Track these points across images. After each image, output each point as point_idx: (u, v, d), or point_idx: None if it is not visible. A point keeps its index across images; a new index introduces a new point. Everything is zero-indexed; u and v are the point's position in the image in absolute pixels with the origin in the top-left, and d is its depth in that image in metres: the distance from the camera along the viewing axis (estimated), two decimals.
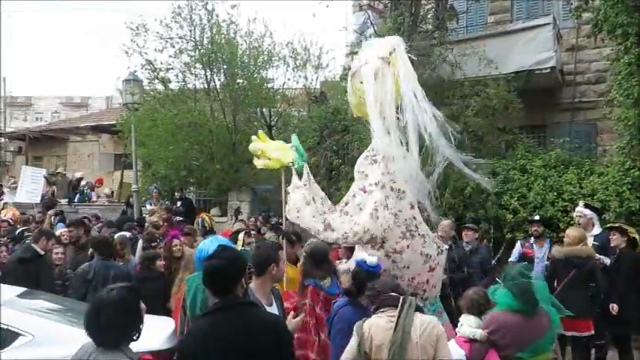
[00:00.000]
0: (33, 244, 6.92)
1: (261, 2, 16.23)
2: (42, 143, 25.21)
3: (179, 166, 14.62)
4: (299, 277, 5.24)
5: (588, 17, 9.80)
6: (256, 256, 3.92)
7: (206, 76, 15.04)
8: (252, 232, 8.71)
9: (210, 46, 14.70)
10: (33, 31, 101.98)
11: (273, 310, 3.80)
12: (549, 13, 12.16)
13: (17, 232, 10.05)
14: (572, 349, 6.58)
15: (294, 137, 5.89)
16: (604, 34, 9.23)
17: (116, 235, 8.01)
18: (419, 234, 4.93)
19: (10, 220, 11.88)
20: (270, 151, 5.41)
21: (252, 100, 14.99)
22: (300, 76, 15.49)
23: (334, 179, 11.72)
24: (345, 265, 5.06)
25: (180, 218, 11.46)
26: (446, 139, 4.86)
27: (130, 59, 15.80)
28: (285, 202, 5.27)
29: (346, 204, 5.19)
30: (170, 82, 15.40)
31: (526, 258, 7.76)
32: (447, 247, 5.61)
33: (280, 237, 6.75)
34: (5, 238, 9.45)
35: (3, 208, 15.11)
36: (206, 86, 15.19)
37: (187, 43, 14.92)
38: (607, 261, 6.91)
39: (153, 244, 7.94)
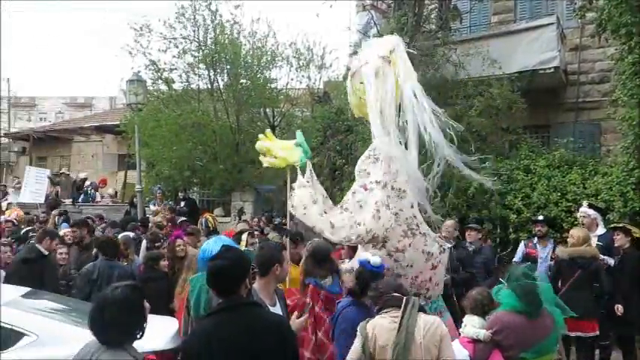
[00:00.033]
0: (37, 245, 6.94)
1: (264, 2, 16.27)
2: (46, 143, 25.30)
3: (183, 166, 14.66)
4: (300, 275, 5.25)
5: (592, 17, 9.77)
6: (260, 257, 3.93)
7: (209, 77, 15.09)
8: (256, 233, 8.71)
9: (213, 47, 14.74)
10: (33, 31, 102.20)
11: (277, 310, 3.80)
12: (553, 12, 12.12)
13: (22, 232, 10.08)
14: (577, 349, 6.56)
15: (298, 133, 5.88)
16: (608, 34, 9.20)
17: (120, 236, 8.04)
18: (420, 232, 4.93)
19: (15, 221, 11.92)
20: (277, 150, 5.41)
21: (255, 100, 15.02)
22: (303, 76, 15.56)
23: (337, 179, 11.72)
24: (347, 265, 5.06)
25: (184, 218, 11.49)
26: (448, 139, 4.86)
27: (133, 60, 15.89)
28: (290, 199, 5.25)
29: (346, 202, 5.18)
30: (174, 82, 15.46)
31: (529, 258, 7.75)
32: (449, 246, 5.59)
33: (284, 237, 6.76)
34: (9, 239, 9.48)
35: (7, 209, 15.16)
36: (209, 86, 15.24)
37: (191, 43, 14.99)
38: (611, 261, 6.90)
39: (156, 245, 7.97)
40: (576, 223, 8.00)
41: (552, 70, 11.19)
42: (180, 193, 14.71)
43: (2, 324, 4.61)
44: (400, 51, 5.03)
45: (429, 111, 4.76)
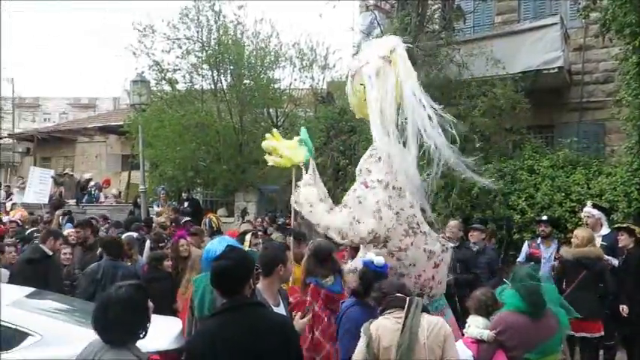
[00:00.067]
0: (41, 245, 6.94)
1: (268, 3, 16.27)
2: (50, 144, 25.35)
3: (186, 166, 14.67)
4: (302, 274, 5.25)
5: (596, 17, 9.76)
6: (264, 257, 3.93)
7: (213, 77, 15.10)
8: (259, 233, 8.71)
9: (217, 47, 14.75)
10: (33, 31, 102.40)
11: (281, 310, 3.81)
12: (557, 12, 12.11)
13: (27, 232, 10.10)
14: (581, 350, 6.54)
15: (303, 130, 5.86)
16: (612, 34, 9.19)
17: (124, 236, 8.05)
18: (420, 231, 4.93)
19: (19, 221, 11.96)
20: (283, 149, 5.40)
21: (258, 100, 15.02)
22: (306, 76, 15.52)
23: (341, 180, 11.73)
24: (351, 265, 5.06)
25: (188, 218, 11.49)
26: (450, 139, 4.85)
27: (137, 60, 15.94)
28: (294, 195, 5.21)
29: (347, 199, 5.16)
30: (177, 82, 15.46)
31: (533, 258, 7.74)
32: (452, 245, 5.58)
33: (287, 236, 6.76)
34: (14, 239, 9.51)
35: (12, 209, 15.22)
36: (213, 87, 15.25)
37: (194, 44, 14.99)
38: (615, 262, 6.88)
39: (160, 245, 7.97)
40: (580, 223, 7.98)
41: (556, 70, 11.18)
42: (183, 194, 14.71)
43: (7, 324, 4.63)
44: (400, 51, 5.03)
45: (430, 110, 4.74)
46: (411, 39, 10.33)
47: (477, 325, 4.06)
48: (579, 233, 6.69)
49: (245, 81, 14.92)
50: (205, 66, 15.04)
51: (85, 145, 25.28)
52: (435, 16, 12.28)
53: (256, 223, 11.46)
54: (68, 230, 8.99)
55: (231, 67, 14.88)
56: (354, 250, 5.92)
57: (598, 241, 7.01)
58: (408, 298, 3.55)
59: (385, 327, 3.46)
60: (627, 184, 8.63)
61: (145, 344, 2.96)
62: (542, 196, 9.41)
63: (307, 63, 15.35)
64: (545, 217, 8.32)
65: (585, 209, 7.78)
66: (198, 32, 14.91)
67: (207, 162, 14.78)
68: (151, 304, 2.96)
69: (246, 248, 6.69)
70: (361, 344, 3.47)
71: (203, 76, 15.33)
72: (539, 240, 7.99)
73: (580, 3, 10.51)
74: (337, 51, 20.80)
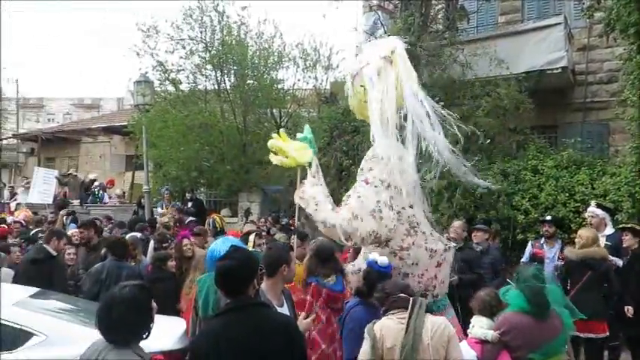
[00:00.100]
0: (45, 245, 6.96)
1: (271, 3, 16.31)
2: (54, 144, 25.42)
3: (190, 167, 14.70)
4: (303, 274, 5.25)
5: (600, 16, 9.73)
6: (268, 257, 3.93)
7: (216, 78, 15.14)
8: (263, 234, 8.72)
9: (220, 48, 14.78)
10: (33, 31, 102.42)
11: (284, 310, 3.81)
12: (560, 12, 12.08)
13: (31, 233, 10.12)
14: (585, 350, 6.52)
15: (306, 127, 5.85)
16: (616, 34, 9.16)
17: (127, 236, 8.07)
18: (421, 231, 4.93)
19: (23, 221, 11.99)
20: (289, 150, 5.39)
21: (262, 101, 15.05)
22: (310, 76, 15.54)
23: (344, 180, 11.72)
24: (354, 266, 5.05)
25: (193, 218, 11.51)
26: (453, 140, 4.84)
27: (141, 60, 15.97)
28: (299, 192, 5.18)
29: (348, 196, 5.15)
30: (181, 83, 15.52)
31: (536, 258, 7.72)
32: (455, 245, 5.56)
33: (291, 236, 6.76)
34: (18, 239, 9.54)
35: (16, 209, 15.27)
36: (216, 87, 15.29)
37: (198, 44, 15.04)
38: (619, 262, 6.86)
39: (164, 245, 7.99)
40: (584, 223, 7.97)
41: (560, 70, 11.16)
42: (187, 194, 14.73)
43: (12, 324, 4.65)
44: (401, 51, 5.03)
45: (431, 111, 4.73)
46: (414, 39, 10.36)
47: (481, 326, 4.06)
48: (583, 233, 6.67)
49: (248, 81, 14.95)
50: (209, 66, 15.08)
51: (89, 146, 25.34)
52: (439, 16, 12.26)
53: (260, 224, 11.47)
54: (72, 230, 9.00)
55: (235, 68, 14.91)
56: (357, 251, 5.91)
57: (602, 241, 6.98)
58: (411, 299, 3.55)
59: (389, 327, 3.46)
60: (631, 184, 8.60)
61: (148, 344, 2.96)
62: (546, 197, 9.39)
63: (311, 63, 15.37)
64: (549, 218, 8.31)
65: (589, 209, 7.76)
66: (201, 33, 14.96)
67: (211, 162, 14.82)
68: (154, 304, 2.96)
69: (250, 248, 6.71)
70: (366, 346, 3.46)
71: (207, 77, 15.37)
72: (542, 240, 7.98)
73: (584, 3, 10.49)
74: (340, 51, 20.76)
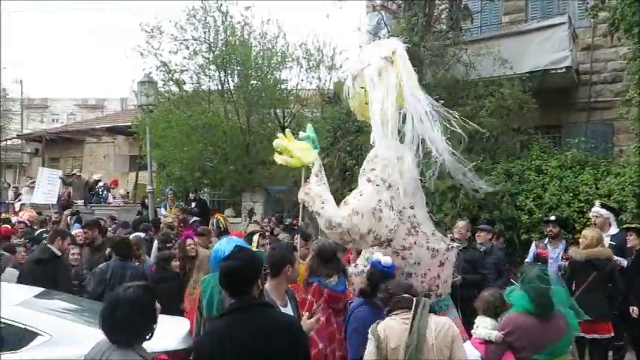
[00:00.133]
0: (49, 245, 6.97)
1: (274, 3, 16.31)
2: (58, 145, 25.49)
3: (193, 167, 14.72)
4: (305, 274, 5.25)
5: (604, 16, 9.72)
6: (271, 257, 3.93)
7: (220, 78, 15.14)
8: (266, 234, 8.73)
9: (224, 48, 14.79)
10: (33, 31, 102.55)
11: (288, 310, 3.81)
12: (564, 12, 12.07)
13: (36, 233, 10.16)
14: (590, 351, 6.50)
15: (309, 126, 5.85)
16: (620, 33, 9.15)
17: (131, 236, 8.08)
18: (422, 231, 4.93)
19: (27, 222, 12.03)
20: (294, 150, 5.40)
21: (265, 101, 15.05)
22: (313, 77, 15.53)
23: (348, 180, 11.72)
24: (357, 268, 5.04)
25: (196, 218, 11.52)
26: (456, 140, 4.84)
27: (144, 61, 16.00)
28: (304, 189, 5.17)
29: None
30: (184, 83, 15.53)
31: (540, 258, 7.71)
32: (458, 245, 5.55)
33: (294, 237, 6.77)
34: (23, 239, 9.56)
35: (20, 210, 15.32)
36: (220, 88, 15.29)
37: (201, 44, 15.04)
38: (624, 262, 6.84)
39: (168, 245, 7.99)
40: (589, 223, 7.95)
41: (564, 69, 11.14)
42: (191, 194, 14.74)
43: (17, 324, 4.67)
44: (401, 52, 5.03)
45: (428, 105, 4.73)
46: (418, 39, 10.36)
47: (484, 326, 4.05)
48: (588, 234, 6.65)
49: (252, 81, 14.95)
50: (212, 67, 15.09)
51: (93, 146, 25.42)
52: (442, 16, 12.27)
53: (263, 224, 11.48)
54: (76, 230, 9.02)
55: (238, 68, 14.92)
56: (360, 252, 5.90)
57: (606, 241, 6.97)
58: (415, 299, 3.55)
59: (392, 328, 3.46)
60: (636, 184, 8.59)
61: (153, 344, 2.97)
62: (550, 197, 9.38)
63: (314, 63, 15.37)
64: (553, 218, 8.29)
65: (594, 209, 7.75)
66: (205, 33, 14.96)
67: (215, 162, 14.83)
68: (158, 305, 2.97)
69: (254, 249, 6.71)
70: (371, 346, 3.46)
71: (210, 77, 15.38)
72: (546, 240, 7.96)
73: (588, 2, 10.47)
74: (344, 51, 20.75)
